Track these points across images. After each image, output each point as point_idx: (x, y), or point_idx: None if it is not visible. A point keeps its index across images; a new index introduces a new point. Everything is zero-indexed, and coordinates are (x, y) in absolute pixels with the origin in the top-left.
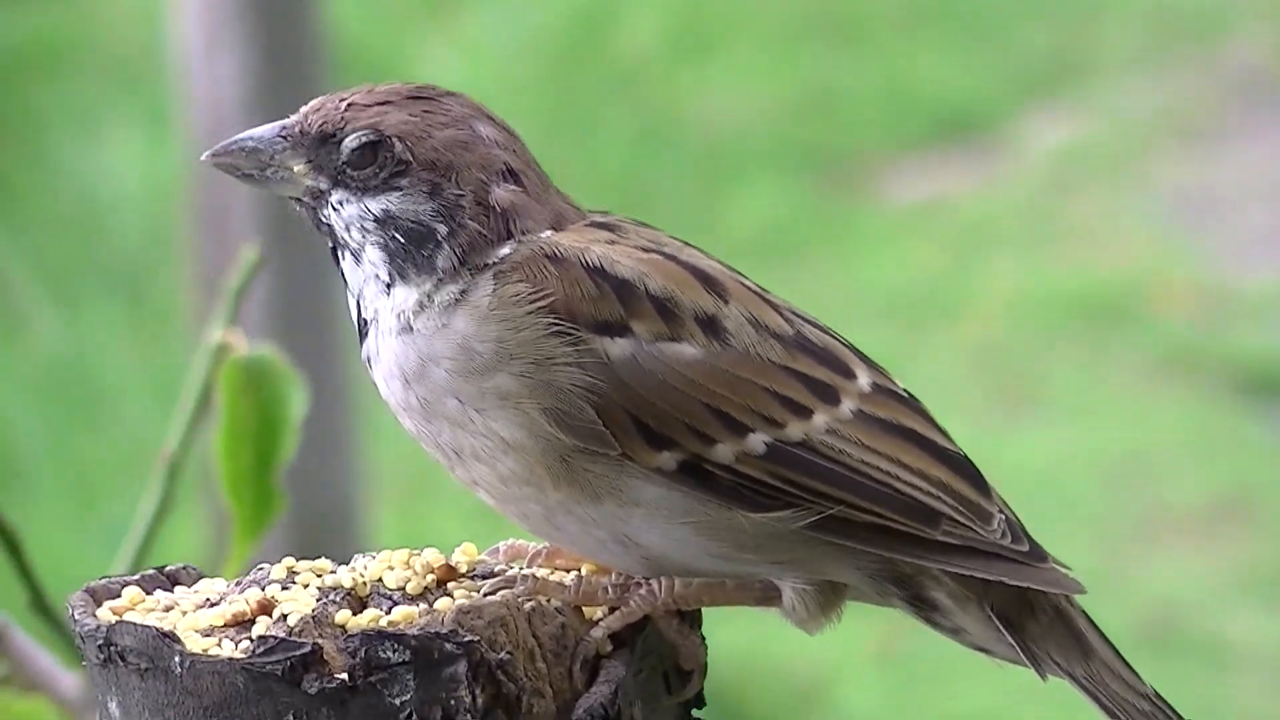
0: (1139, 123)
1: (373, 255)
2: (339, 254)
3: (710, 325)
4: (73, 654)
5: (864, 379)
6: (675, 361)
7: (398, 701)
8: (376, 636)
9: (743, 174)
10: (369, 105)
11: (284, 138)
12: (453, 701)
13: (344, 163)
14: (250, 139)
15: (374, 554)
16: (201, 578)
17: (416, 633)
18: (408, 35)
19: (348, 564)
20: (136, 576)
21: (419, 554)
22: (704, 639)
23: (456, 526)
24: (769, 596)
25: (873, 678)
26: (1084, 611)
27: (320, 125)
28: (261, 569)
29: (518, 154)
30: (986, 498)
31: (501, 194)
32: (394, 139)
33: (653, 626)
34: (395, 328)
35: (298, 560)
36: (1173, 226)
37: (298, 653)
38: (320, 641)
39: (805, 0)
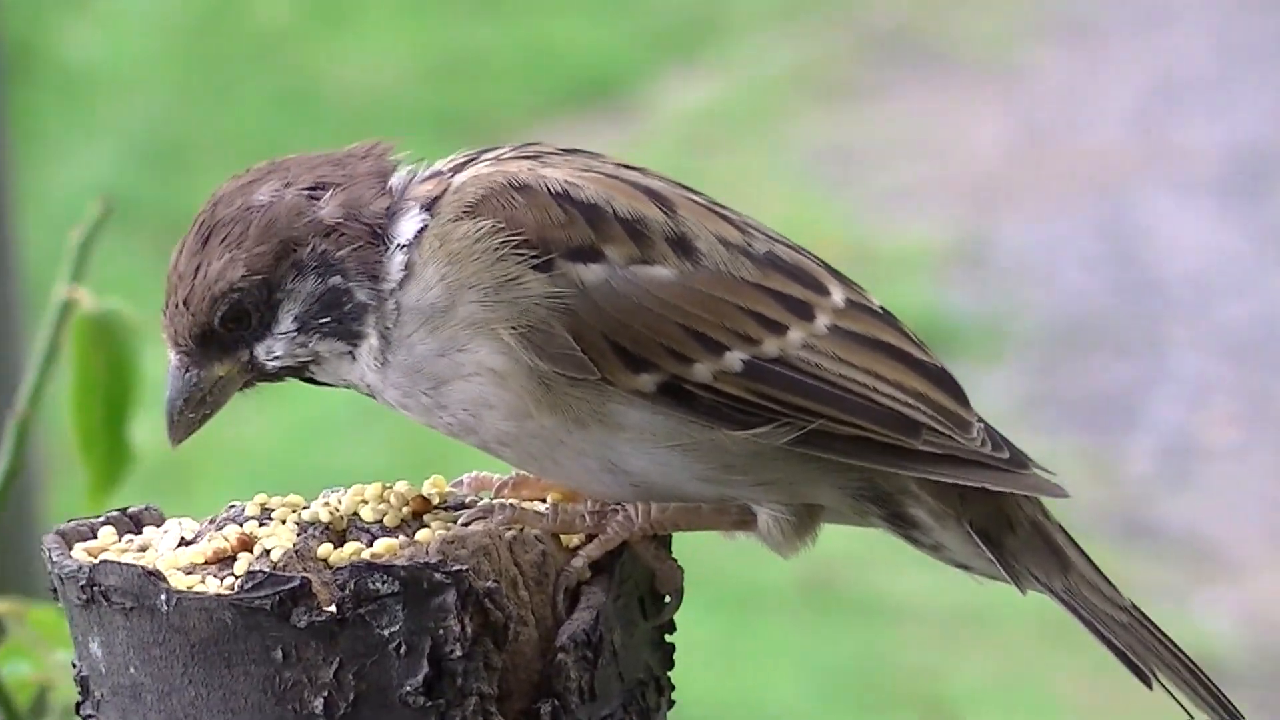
0: (777, 81)
1: (328, 346)
2: (318, 374)
3: (681, 245)
4: None
5: (838, 295)
6: (650, 284)
7: (387, 633)
8: (366, 568)
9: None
10: (193, 284)
11: (187, 369)
12: (441, 631)
13: (234, 334)
14: (174, 398)
15: (343, 488)
16: (165, 518)
17: (405, 564)
18: (50, 17)
19: (318, 499)
20: (102, 519)
21: (391, 487)
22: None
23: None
24: (744, 520)
25: None
26: (1061, 526)
27: (190, 333)
28: (234, 506)
29: (297, 173)
30: (965, 407)
31: (327, 211)
32: (234, 289)
33: (630, 552)
34: (379, 361)
35: (270, 496)
36: (814, 184)
37: (286, 587)
38: (308, 575)
39: None
